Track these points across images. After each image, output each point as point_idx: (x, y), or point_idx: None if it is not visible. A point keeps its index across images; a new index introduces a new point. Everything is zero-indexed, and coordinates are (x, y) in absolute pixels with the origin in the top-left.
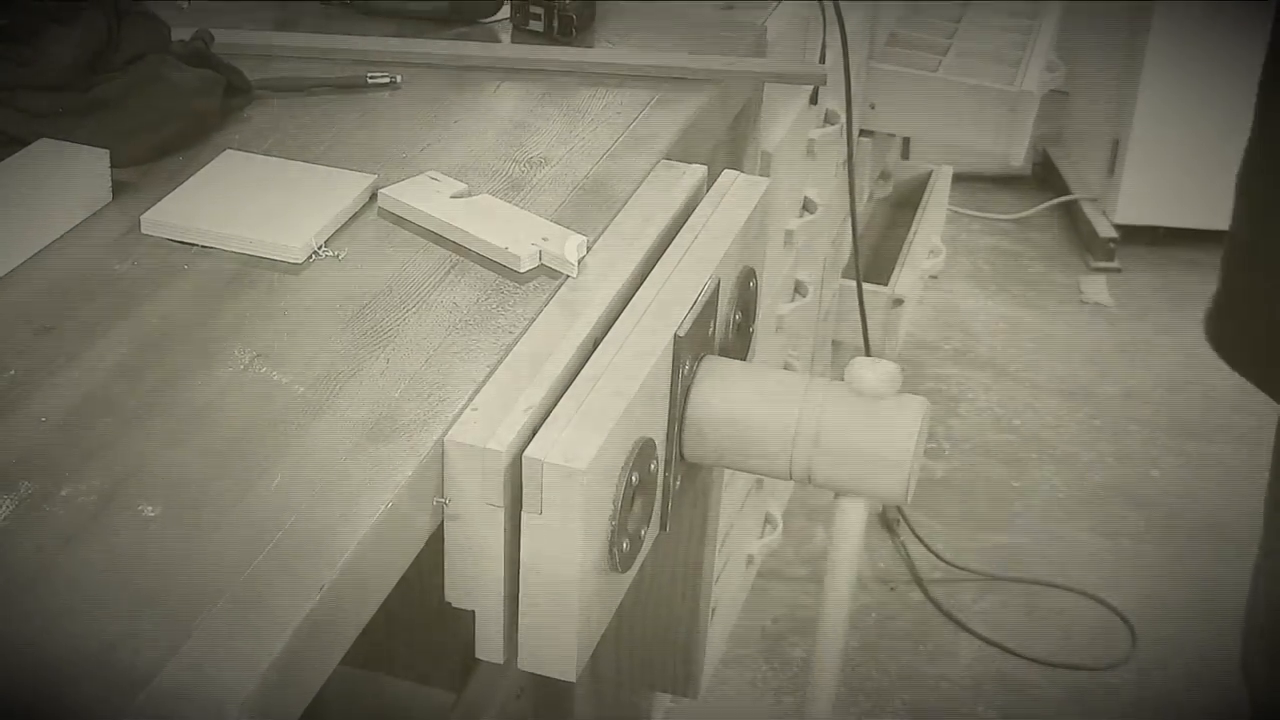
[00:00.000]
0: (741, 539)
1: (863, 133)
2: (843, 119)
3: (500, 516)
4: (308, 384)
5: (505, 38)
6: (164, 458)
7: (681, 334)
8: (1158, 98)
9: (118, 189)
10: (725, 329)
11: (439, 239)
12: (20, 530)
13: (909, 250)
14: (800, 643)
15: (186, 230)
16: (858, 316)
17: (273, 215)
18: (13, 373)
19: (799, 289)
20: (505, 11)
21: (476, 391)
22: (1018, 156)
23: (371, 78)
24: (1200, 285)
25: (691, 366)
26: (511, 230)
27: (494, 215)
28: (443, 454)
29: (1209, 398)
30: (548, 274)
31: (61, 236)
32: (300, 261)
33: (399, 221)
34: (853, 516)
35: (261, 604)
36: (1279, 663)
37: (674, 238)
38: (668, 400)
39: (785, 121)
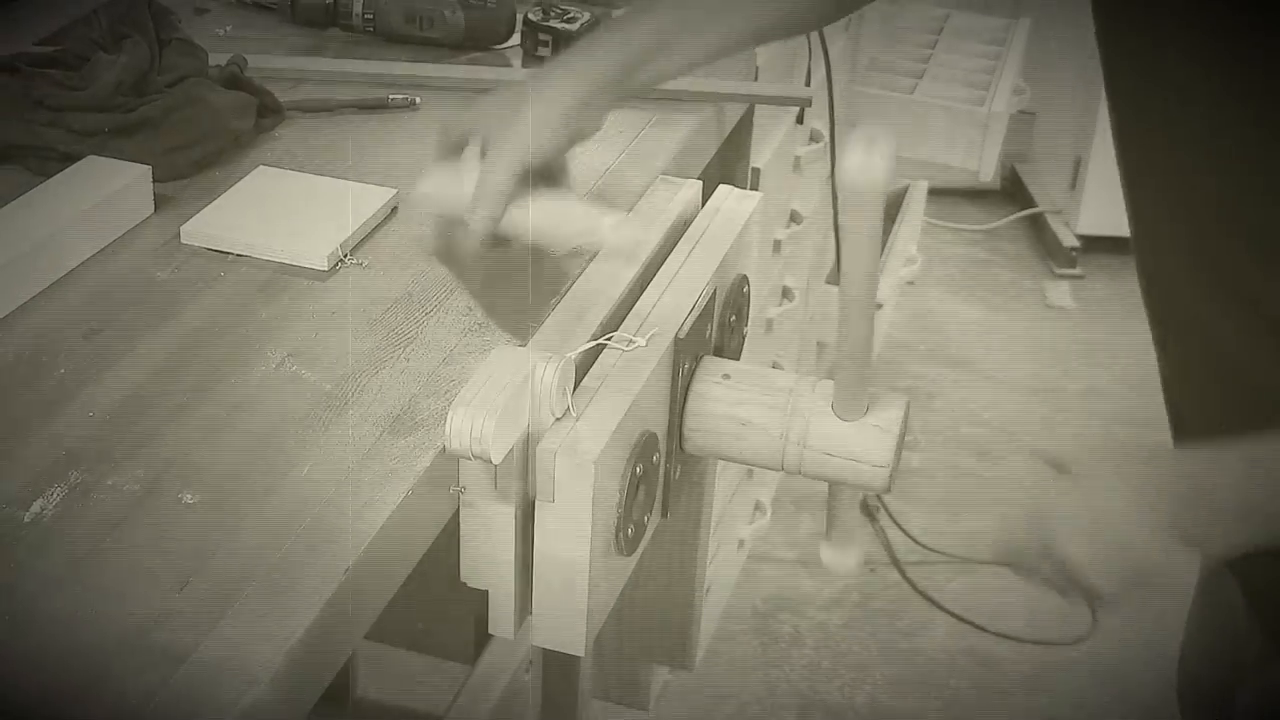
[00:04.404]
0: (733, 524)
1: None
2: (826, 137)
3: (511, 503)
4: (334, 382)
5: (516, 62)
6: (202, 449)
7: (682, 336)
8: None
9: (159, 202)
10: (721, 331)
11: None
12: (70, 516)
13: (887, 258)
14: (788, 620)
15: (223, 240)
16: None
17: (302, 226)
18: (63, 372)
19: (786, 294)
20: (516, 38)
21: None
22: (987, 172)
23: (392, 99)
24: None
25: (691, 366)
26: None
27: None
28: None
29: None
30: (554, 279)
31: (107, 246)
32: (327, 269)
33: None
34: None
35: (290, 585)
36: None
37: (672, 246)
38: (669, 397)
39: (774, 140)
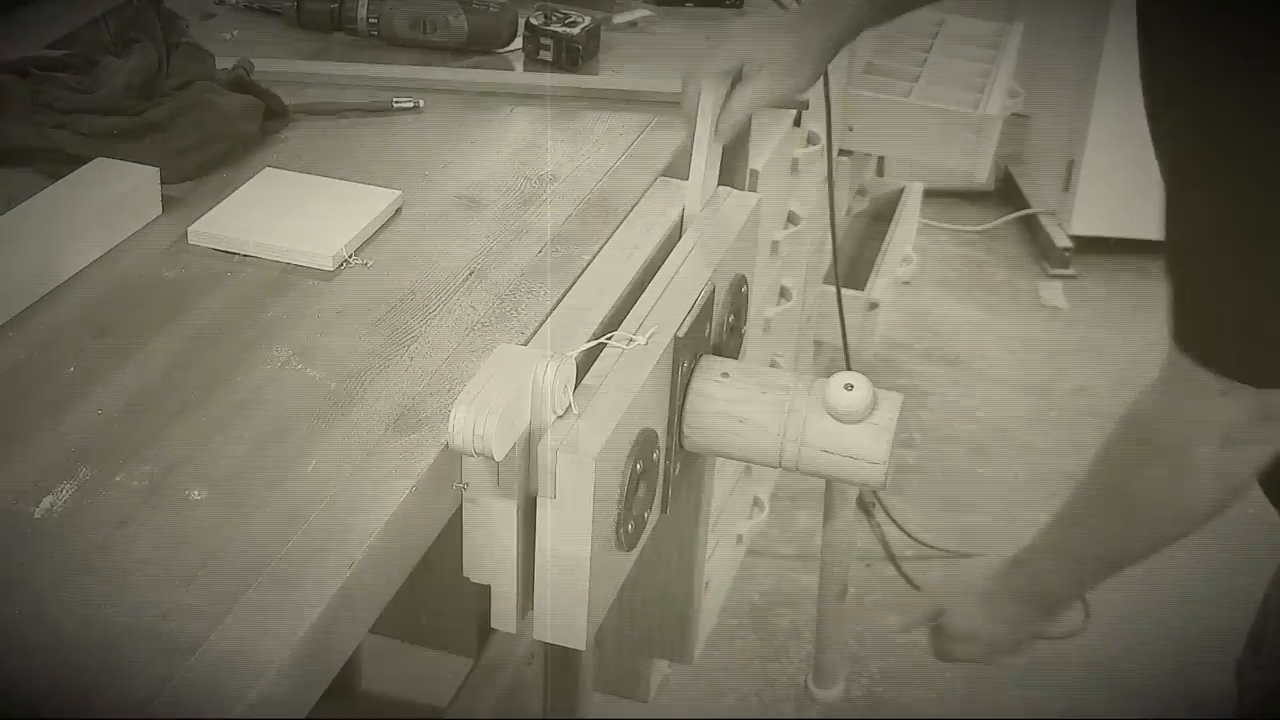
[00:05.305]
0: (732, 520)
1: (842, 152)
2: (823, 140)
3: (513, 500)
4: (339, 380)
5: (518, 66)
6: (209, 446)
7: (681, 335)
8: (1109, 121)
9: (167, 203)
10: (720, 330)
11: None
12: (80, 512)
13: (884, 259)
14: (786, 614)
15: (229, 241)
16: (837, 319)
17: (307, 227)
18: (72, 369)
19: (784, 294)
20: (518, 42)
21: None
22: (982, 174)
23: (396, 102)
24: (1147, 290)
25: (690, 364)
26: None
27: None
28: None
29: None
30: (558, 279)
31: (116, 246)
32: (332, 269)
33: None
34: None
35: (297, 579)
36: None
37: (671, 247)
38: (669, 395)
39: (772, 142)
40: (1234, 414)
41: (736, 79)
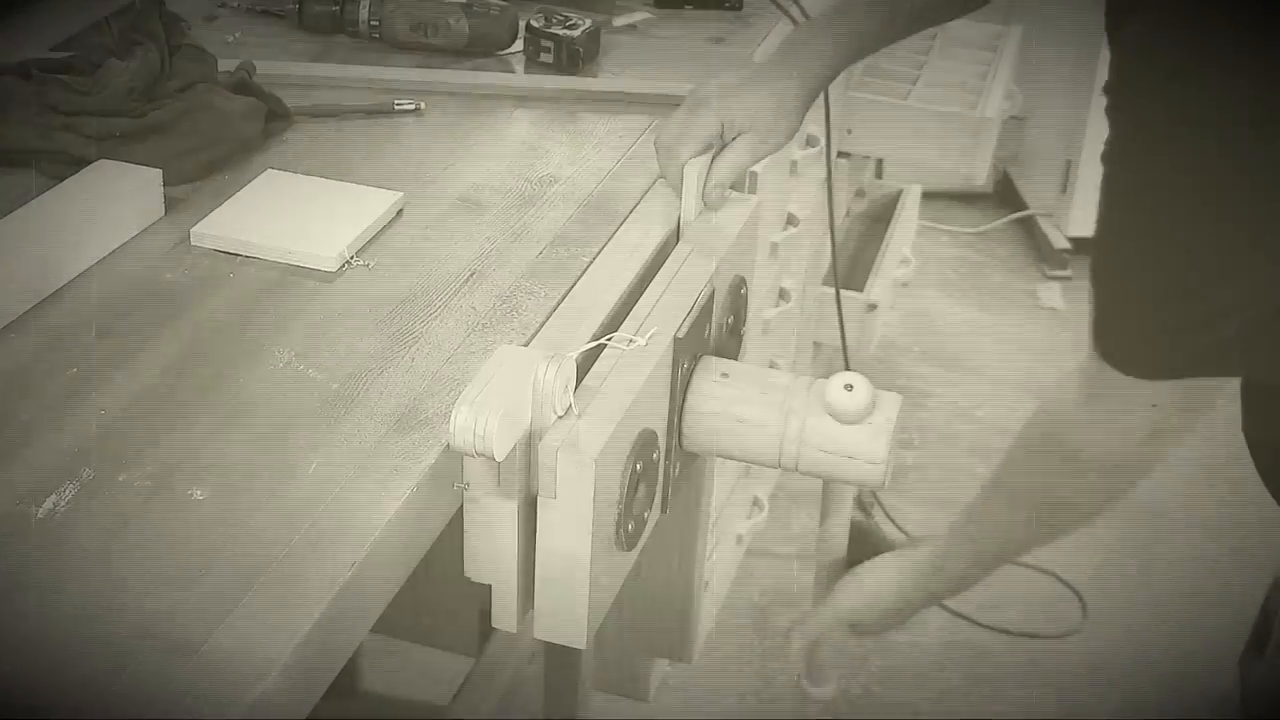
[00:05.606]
0: (731, 520)
1: (840, 154)
2: (823, 142)
3: (514, 499)
4: (341, 380)
5: (519, 68)
6: (211, 446)
7: (681, 336)
8: (1106, 122)
9: (169, 205)
10: (719, 332)
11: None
12: (83, 511)
13: (882, 260)
14: (785, 614)
15: (231, 242)
16: (836, 320)
17: (309, 228)
18: (75, 370)
19: (783, 295)
20: (519, 45)
21: None
22: (980, 176)
23: (398, 104)
24: None
25: (690, 365)
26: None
27: None
28: None
29: None
30: (559, 281)
31: (119, 248)
32: (334, 270)
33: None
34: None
35: (298, 579)
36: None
37: (671, 248)
38: (668, 396)
39: None
40: (1159, 414)
41: (717, 144)
